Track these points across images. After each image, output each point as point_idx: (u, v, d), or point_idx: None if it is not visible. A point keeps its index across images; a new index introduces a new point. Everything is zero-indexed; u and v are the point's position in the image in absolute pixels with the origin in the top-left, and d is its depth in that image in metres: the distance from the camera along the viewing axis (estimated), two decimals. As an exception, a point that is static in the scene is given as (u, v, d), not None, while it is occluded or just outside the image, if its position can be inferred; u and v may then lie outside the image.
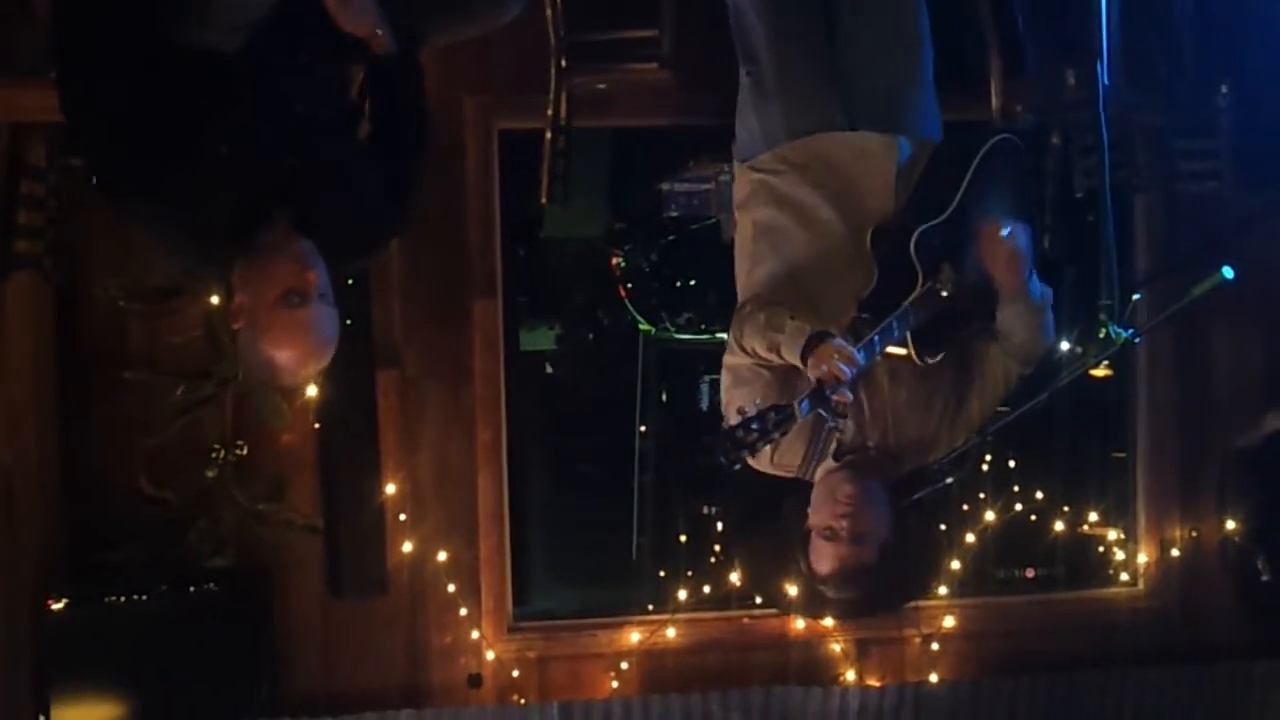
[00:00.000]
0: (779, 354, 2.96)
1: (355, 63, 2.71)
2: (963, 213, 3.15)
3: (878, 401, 3.16)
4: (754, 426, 2.73)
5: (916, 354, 3.04)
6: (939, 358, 3.11)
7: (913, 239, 3.03)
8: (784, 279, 3.18)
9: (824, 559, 3.08)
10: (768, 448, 3.05)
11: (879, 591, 3.17)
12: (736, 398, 3.10)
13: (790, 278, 3.18)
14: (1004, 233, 3.07)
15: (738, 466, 2.81)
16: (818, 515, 3.09)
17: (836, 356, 2.81)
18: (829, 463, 3.15)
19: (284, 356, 2.50)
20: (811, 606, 3.49)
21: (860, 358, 2.85)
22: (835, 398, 2.78)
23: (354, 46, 2.62)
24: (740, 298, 3.31)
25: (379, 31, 2.61)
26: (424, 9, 2.76)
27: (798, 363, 2.91)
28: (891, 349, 3.04)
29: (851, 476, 3.09)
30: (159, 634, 4.10)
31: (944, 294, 3.06)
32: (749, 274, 3.28)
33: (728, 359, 3.19)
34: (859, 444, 3.16)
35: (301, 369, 2.56)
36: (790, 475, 3.19)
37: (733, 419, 2.79)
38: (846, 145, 3.23)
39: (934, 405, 3.20)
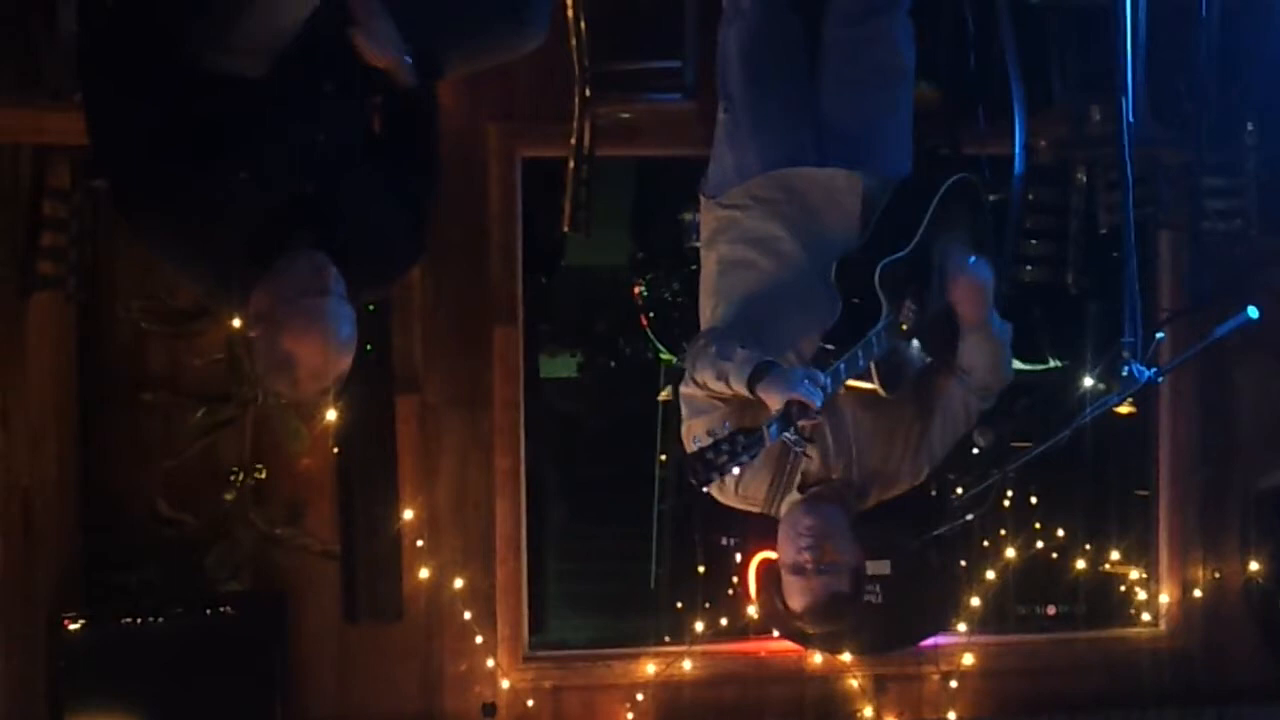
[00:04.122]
0: (728, 383, 2.97)
1: (377, 92, 2.72)
2: (924, 248, 3.19)
3: (842, 433, 3.16)
4: (724, 448, 2.75)
5: (883, 386, 3.06)
6: (902, 389, 3.12)
7: (877, 272, 3.05)
8: (747, 311, 3.21)
9: (795, 594, 3.08)
10: (731, 482, 3.10)
11: (870, 622, 3.18)
12: (695, 427, 3.12)
13: (754, 309, 3.20)
14: (968, 263, 3.14)
15: (706, 490, 2.85)
16: (783, 552, 3.09)
17: (806, 381, 2.82)
18: (794, 495, 3.16)
19: (304, 350, 2.46)
20: (830, 641, 3.48)
21: (828, 383, 2.86)
22: (803, 422, 2.79)
23: (377, 76, 2.63)
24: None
25: (401, 64, 2.62)
26: (445, 40, 2.76)
27: (744, 391, 2.92)
28: (857, 382, 3.05)
29: (809, 509, 3.10)
30: (174, 656, 4.11)
31: (904, 327, 3.09)
32: (713, 310, 3.31)
33: (683, 389, 3.21)
34: (823, 476, 3.16)
35: (321, 364, 2.50)
36: (756, 509, 3.21)
37: (690, 447, 2.81)
38: (812, 180, 3.27)
39: (896, 438, 3.22)
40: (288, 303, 2.47)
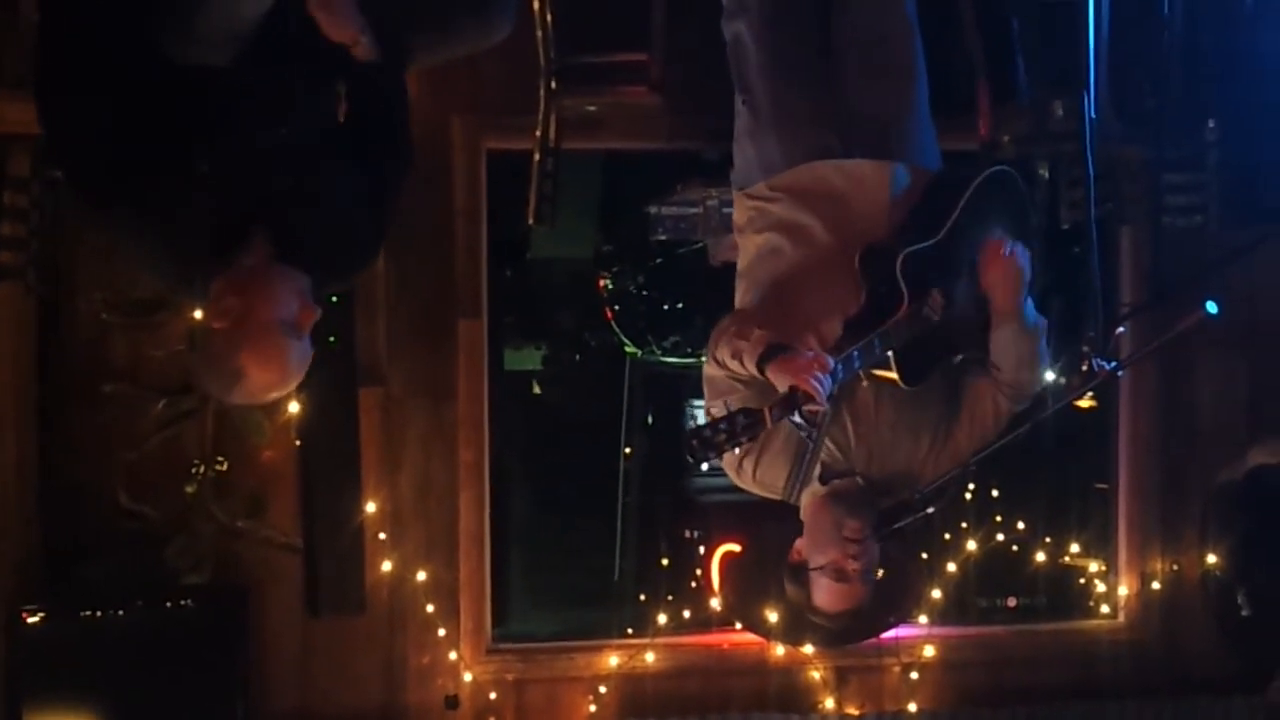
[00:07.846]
0: (741, 362, 2.98)
1: (341, 78, 2.69)
2: (953, 239, 3.16)
3: (864, 427, 3.15)
4: (722, 427, 2.73)
5: (902, 377, 3.04)
6: (925, 383, 3.11)
7: (898, 260, 3.04)
8: (774, 296, 3.21)
9: (835, 598, 3.06)
10: (749, 467, 3.10)
11: (864, 619, 3.17)
12: (713, 409, 3.13)
13: (781, 294, 3.20)
14: (1005, 249, 3.12)
15: (705, 467, 2.83)
16: (824, 554, 3.05)
17: (814, 365, 2.81)
18: (815, 486, 3.14)
19: (257, 376, 2.49)
20: (792, 633, 3.48)
21: (838, 370, 2.84)
22: (808, 407, 2.78)
23: (340, 62, 2.61)
24: None
25: (362, 38, 2.60)
26: (410, 30, 2.75)
27: (755, 371, 2.92)
28: (878, 371, 3.04)
29: (854, 512, 3.07)
30: (134, 650, 4.08)
31: (929, 317, 3.06)
32: (744, 294, 3.32)
33: (706, 369, 3.22)
34: (845, 469, 3.15)
35: (263, 394, 2.56)
36: (775, 497, 3.19)
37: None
38: (840, 171, 3.25)
39: (921, 437, 3.20)
40: (262, 326, 2.47)
